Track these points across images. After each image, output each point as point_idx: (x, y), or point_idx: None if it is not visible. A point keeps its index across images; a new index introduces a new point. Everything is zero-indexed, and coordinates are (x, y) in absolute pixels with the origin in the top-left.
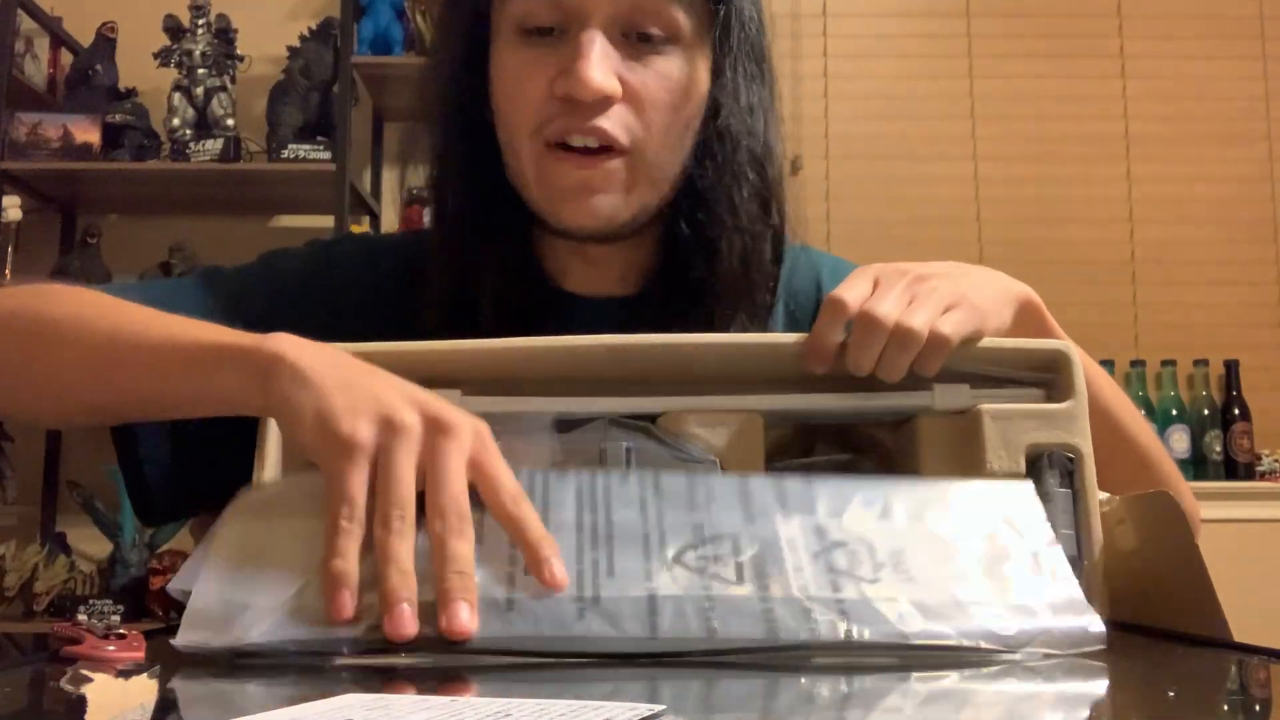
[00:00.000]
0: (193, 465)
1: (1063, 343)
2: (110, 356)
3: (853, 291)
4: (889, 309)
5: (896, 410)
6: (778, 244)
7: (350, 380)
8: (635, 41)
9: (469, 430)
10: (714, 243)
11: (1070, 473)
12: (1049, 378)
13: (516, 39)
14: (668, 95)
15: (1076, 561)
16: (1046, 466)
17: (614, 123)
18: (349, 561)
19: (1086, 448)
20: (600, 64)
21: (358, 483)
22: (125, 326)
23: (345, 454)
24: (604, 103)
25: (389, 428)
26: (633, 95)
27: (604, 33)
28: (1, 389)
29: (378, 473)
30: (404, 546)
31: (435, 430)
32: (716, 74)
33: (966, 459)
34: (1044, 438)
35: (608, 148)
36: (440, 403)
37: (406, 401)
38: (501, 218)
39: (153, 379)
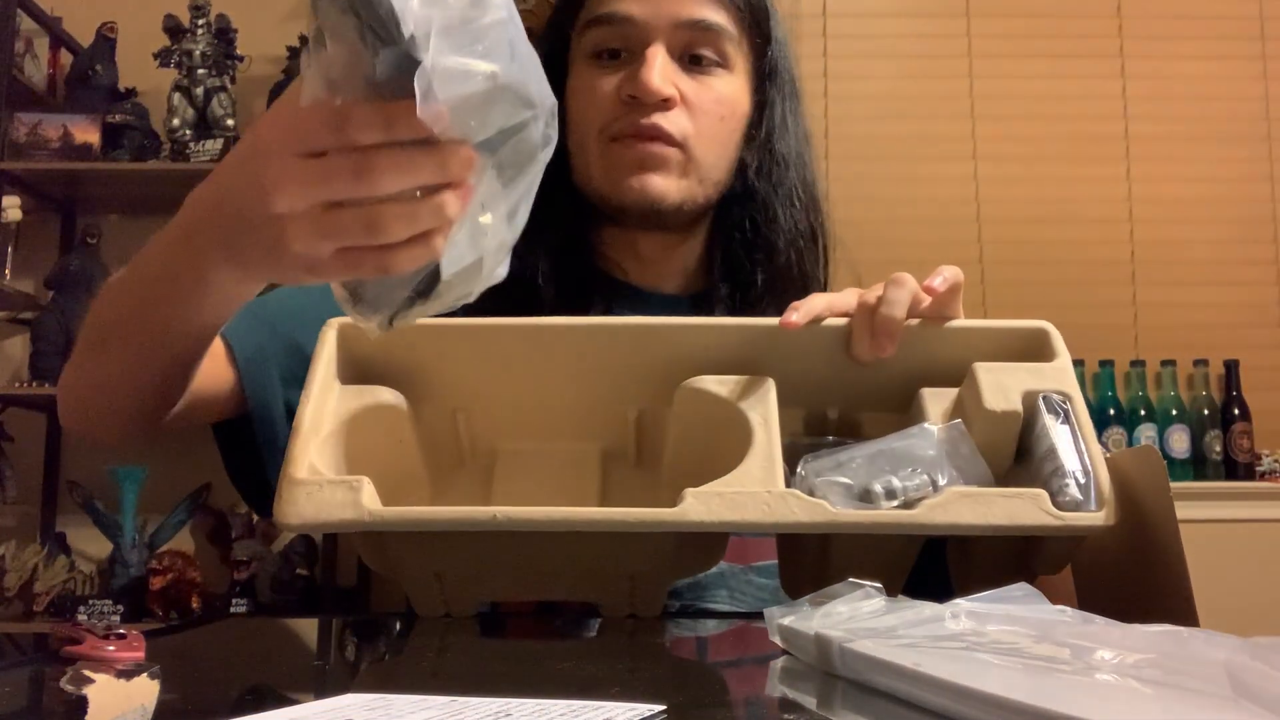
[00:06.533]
0: None
1: (1042, 321)
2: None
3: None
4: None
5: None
6: (824, 252)
7: None
8: (690, 63)
9: None
10: (769, 248)
11: (1067, 411)
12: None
13: (589, 63)
14: (716, 106)
15: (1088, 478)
16: (1042, 408)
17: (670, 121)
18: None
19: (1077, 394)
20: (660, 72)
21: None
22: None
23: None
24: (662, 105)
25: None
26: (687, 102)
27: (665, 50)
28: (91, 409)
29: None
30: None
31: None
32: (765, 104)
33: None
34: (1036, 385)
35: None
36: None
37: None
38: (563, 209)
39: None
